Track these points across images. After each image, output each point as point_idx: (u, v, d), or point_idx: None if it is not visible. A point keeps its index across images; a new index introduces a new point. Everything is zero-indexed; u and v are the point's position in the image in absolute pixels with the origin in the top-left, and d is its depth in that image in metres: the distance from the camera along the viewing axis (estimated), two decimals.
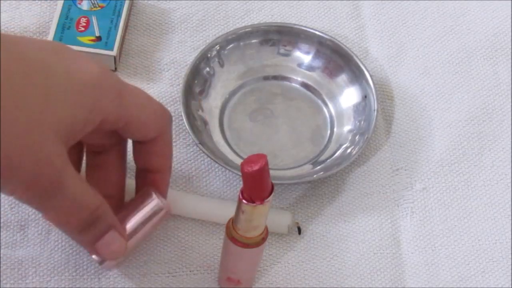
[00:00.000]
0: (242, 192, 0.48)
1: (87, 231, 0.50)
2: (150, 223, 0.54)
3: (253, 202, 0.48)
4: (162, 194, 0.55)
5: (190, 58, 0.66)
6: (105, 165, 0.55)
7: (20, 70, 0.45)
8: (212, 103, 0.64)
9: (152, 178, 0.55)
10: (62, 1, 0.66)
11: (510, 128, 0.65)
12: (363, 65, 0.64)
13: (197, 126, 0.62)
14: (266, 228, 0.51)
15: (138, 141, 0.54)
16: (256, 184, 0.47)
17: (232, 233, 0.51)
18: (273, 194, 0.48)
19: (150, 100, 0.52)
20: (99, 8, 0.66)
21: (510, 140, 0.64)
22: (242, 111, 0.65)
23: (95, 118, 0.49)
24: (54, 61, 0.47)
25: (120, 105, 0.50)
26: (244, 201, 0.48)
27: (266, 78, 0.66)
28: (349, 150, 0.62)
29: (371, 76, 0.64)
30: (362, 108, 0.64)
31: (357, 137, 0.62)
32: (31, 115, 0.45)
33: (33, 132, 0.45)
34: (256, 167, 0.46)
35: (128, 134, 0.53)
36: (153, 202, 0.54)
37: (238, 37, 0.66)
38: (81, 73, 0.48)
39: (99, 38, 0.65)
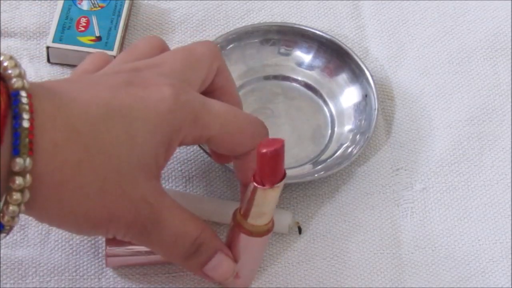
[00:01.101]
0: (254, 175, 0.49)
1: (192, 258, 0.50)
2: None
3: (263, 185, 0.48)
4: None
5: None
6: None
7: (100, 118, 0.46)
8: None
9: None
10: (62, 1, 0.66)
11: (510, 128, 0.65)
12: (363, 63, 0.64)
13: None
14: (272, 221, 0.52)
15: (234, 156, 0.54)
16: (270, 166, 0.48)
17: (238, 219, 0.52)
18: (284, 180, 0.49)
19: (236, 116, 0.52)
20: (99, 8, 0.66)
21: (510, 140, 0.64)
22: None
23: (174, 144, 0.49)
24: (129, 95, 0.47)
25: (197, 126, 0.49)
26: (255, 183, 0.49)
27: (266, 77, 0.66)
28: (349, 150, 0.62)
29: (371, 75, 0.64)
30: (363, 107, 0.64)
31: (357, 137, 0.62)
32: (119, 161, 0.46)
33: (124, 177, 0.46)
34: (272, 148, 0.47)
35: (216, 149, 0.53)
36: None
37: (239, 37, 0.66)
38: (155, 101, 0.47)
39: (99, 38, 0.65)
